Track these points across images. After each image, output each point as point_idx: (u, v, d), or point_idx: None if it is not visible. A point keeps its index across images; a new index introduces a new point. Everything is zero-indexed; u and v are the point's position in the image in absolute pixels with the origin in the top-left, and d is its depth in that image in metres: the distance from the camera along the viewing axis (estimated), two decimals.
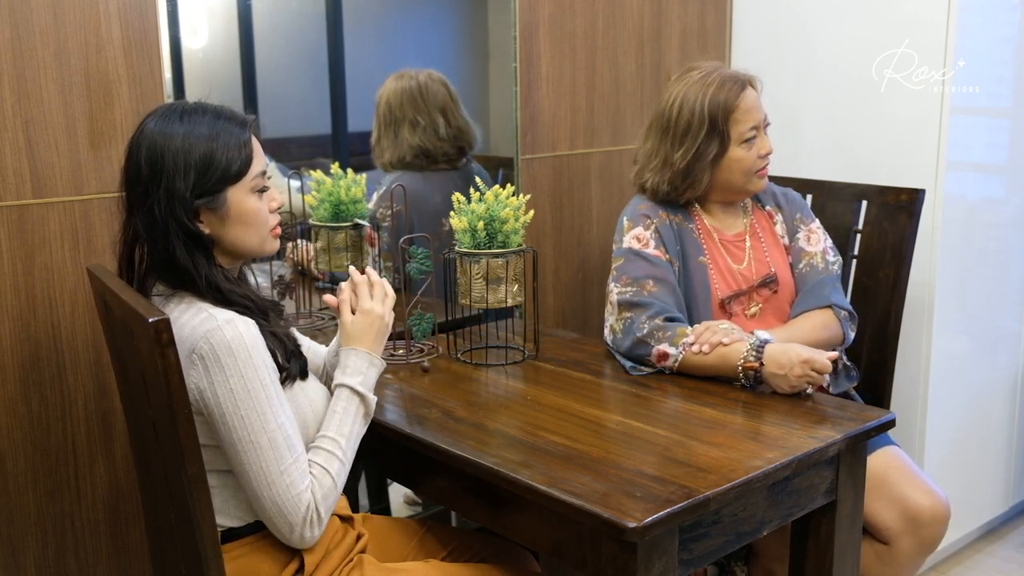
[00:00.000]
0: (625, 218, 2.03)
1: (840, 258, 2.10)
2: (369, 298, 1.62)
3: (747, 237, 2.07)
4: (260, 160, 1.51)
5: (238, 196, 1.48)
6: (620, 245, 2.01)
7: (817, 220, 2.13)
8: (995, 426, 2.76)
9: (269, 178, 1.54)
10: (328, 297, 1.67)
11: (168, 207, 1.43)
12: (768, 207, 2.12)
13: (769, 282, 2.03)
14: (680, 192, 2.03)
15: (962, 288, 2.55)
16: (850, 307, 2.03)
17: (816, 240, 2.08)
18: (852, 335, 2.03)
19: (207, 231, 1.48)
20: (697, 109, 1.97)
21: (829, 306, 1.99)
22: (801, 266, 2.06)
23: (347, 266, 1.74)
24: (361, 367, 1.57)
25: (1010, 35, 2.53)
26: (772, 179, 2.14)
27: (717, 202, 2.08)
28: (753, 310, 2.02)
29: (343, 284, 1.64)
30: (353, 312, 1.61)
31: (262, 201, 1.51)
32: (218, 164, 1.45)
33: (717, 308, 2.00)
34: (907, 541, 1.88)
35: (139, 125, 1.48)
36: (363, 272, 1.65)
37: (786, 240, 2.10)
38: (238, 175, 1.47)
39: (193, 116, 1.47)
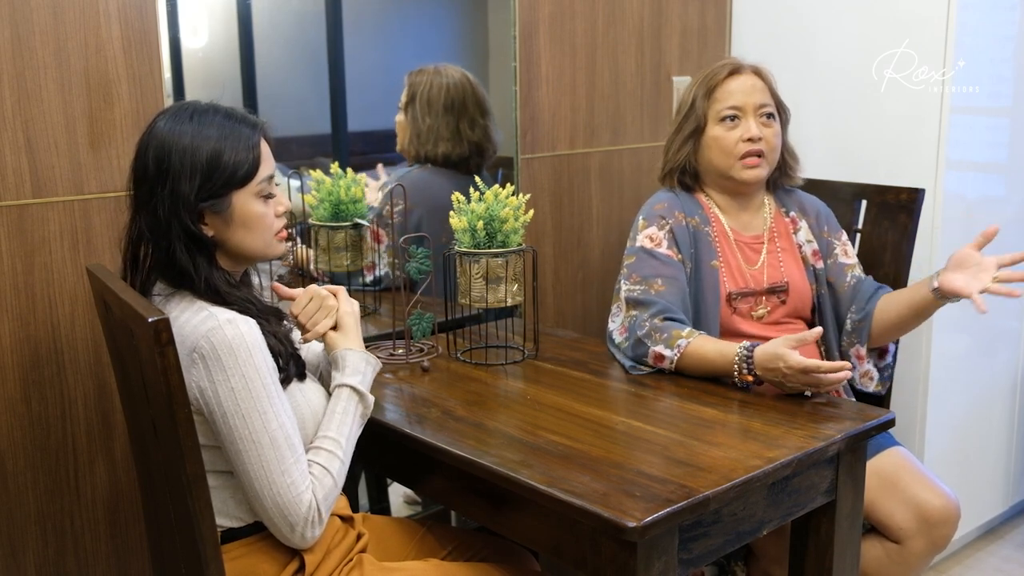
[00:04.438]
0: (641, 217, 2.04)
1: None
2: (347, 300, 1.64)
3: (765, 242, 2.07)
4: (268, 164, 1.50)
5: (243, 200, 1.47)
6: (633, 244, 2.02)
7: (844, 231, 2.15)
8: (995, 425, 2.76)
9: (277, 184, 1.53)
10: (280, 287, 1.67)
11: (172, 208, 1.43)
12: (792, 212, 2.11)
13: (778, 291, 2.04)
14: (674, 174, 2.07)
15: None
16: None
17: (851, 252, 2.12)
18: None
19: (210, 233, 1.47)
20: (690, 88, 2.08)
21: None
22: (848, 279, 2.08)
23: (280, 278, 1.69)
24: (359, 366, 1.58)
25: (1010, 34, 2.53)
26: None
27: (724, 193, 2.07)
28: (760, 312, 2.02)
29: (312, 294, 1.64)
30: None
31: (268, 206, 1.50)
32: (224, 167, 1.44)
33: (725, 305, 2.00)
34: (919, 541, 1.89)
35: (150, 123, 1.48)
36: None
37: (806, 249, 2.09)
38: (244, 179, 1.46)
39: (204, 117, 1.46)
